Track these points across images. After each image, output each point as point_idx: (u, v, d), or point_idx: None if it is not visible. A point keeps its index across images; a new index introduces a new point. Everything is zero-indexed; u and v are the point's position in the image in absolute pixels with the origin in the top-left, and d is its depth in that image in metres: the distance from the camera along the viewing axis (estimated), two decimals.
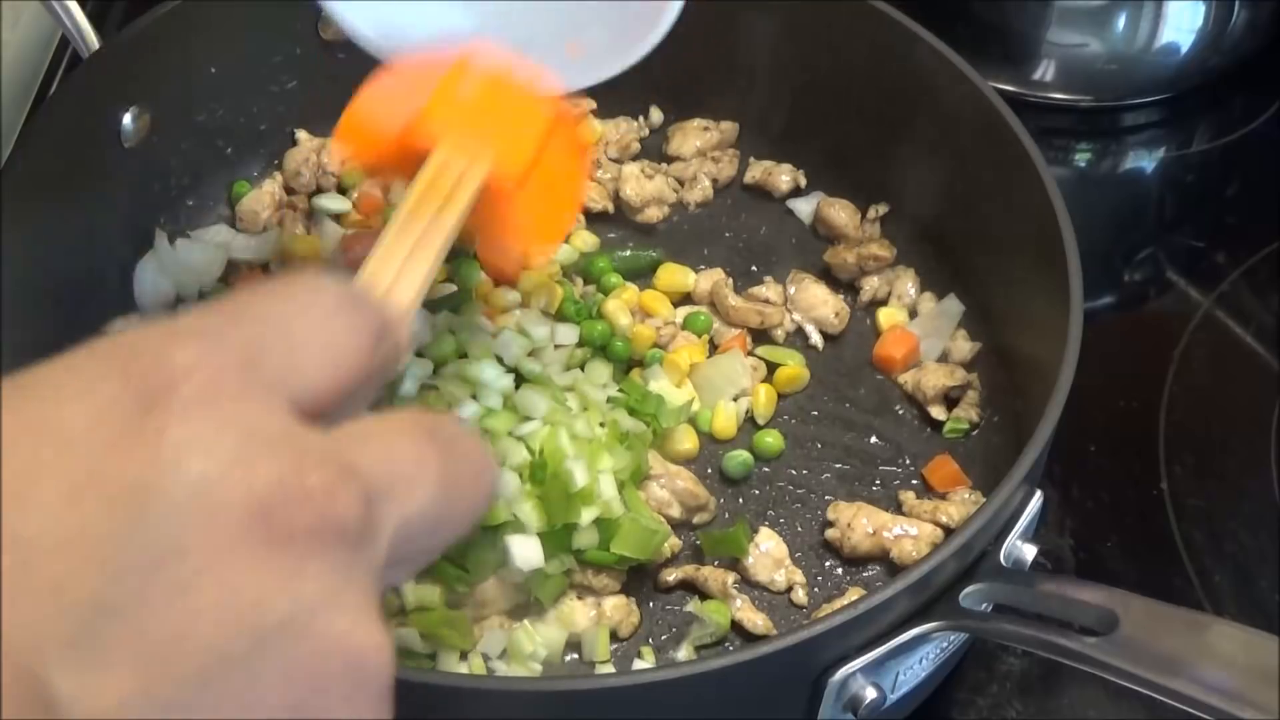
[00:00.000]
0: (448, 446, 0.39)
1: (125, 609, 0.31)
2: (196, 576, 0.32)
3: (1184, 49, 1.11)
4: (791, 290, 0.92)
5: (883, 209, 0.96)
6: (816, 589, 0.81)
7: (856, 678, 0.65)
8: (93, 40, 0.87)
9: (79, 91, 0.84)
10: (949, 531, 0.80)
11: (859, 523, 0.81)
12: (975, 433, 0.87)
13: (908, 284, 0.93)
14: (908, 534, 0.80)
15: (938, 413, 0.87)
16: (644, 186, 0.96)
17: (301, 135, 0.98)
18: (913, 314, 0.92)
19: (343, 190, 0.97)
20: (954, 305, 0.91)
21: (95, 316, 0.88)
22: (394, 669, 0.35)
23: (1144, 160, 1.14)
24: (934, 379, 0.88)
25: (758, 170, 0.99)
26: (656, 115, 1.02)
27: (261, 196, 0.95)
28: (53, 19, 0.87)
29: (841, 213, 0.95)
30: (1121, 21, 1.09)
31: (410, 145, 0.63)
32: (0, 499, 0.31)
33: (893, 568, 0.81)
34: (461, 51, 0.66)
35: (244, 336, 0.36)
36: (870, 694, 0.66)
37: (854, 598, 0.78)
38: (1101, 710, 0.79)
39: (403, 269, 0.53)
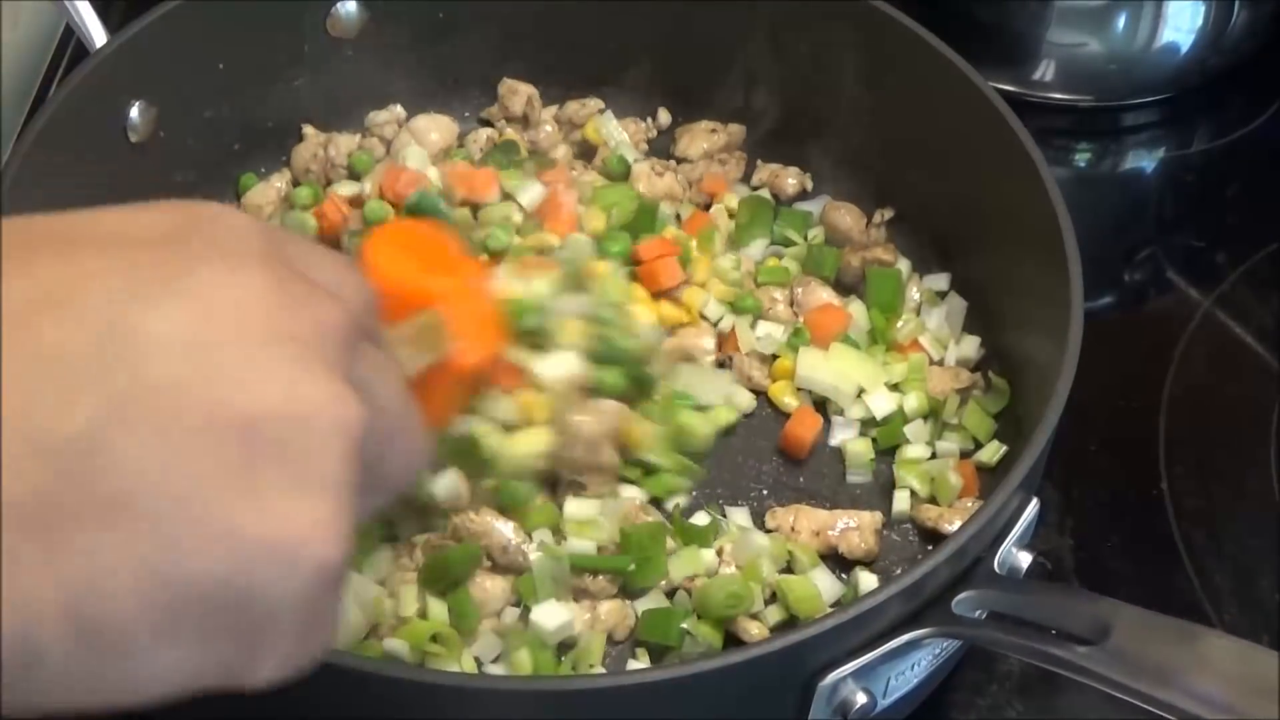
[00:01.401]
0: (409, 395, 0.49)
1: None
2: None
3: (1184, 49, 1.11)
4: (799, 292, 0.91)
5: (888, 213, 0.96)
6: None
7: (847, 682, 0.65)
8: (100, 34, 0.87)
9: (86, 85, 0.84)
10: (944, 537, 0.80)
11: (801, 525, 0.81)
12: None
13: (912, 288, 0.92)
14: (850, 526, 0.81)
15: (949, 414, 0.87)
16: (655, 184, 0.96)
17: (309, 131, 0.98)
18: (917, 315, 0.92)
19: (355, 176, 0.97)
20: (957, 308, 0.91)
21: None
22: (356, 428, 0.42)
23: (1144, 160, 1.14)
24: (939, 383, 0.87)
25: (764, 173, 0.99)
26: (664, 117, 1.02)
27: (267, 191, 0.95)
28: (60, 13, 0.87)
29: (847, 216, 0.95)
30: (1121, 21, 1.09)
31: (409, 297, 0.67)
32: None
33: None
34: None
35: (276, 231, 0.46)
36: (860, 699, 0.65)
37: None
38: (1101, 712, 0.79)
39: None
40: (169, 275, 0.41)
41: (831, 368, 0.87)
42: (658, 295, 0.90)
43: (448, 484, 0.77)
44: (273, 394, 0.40)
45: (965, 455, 0.85)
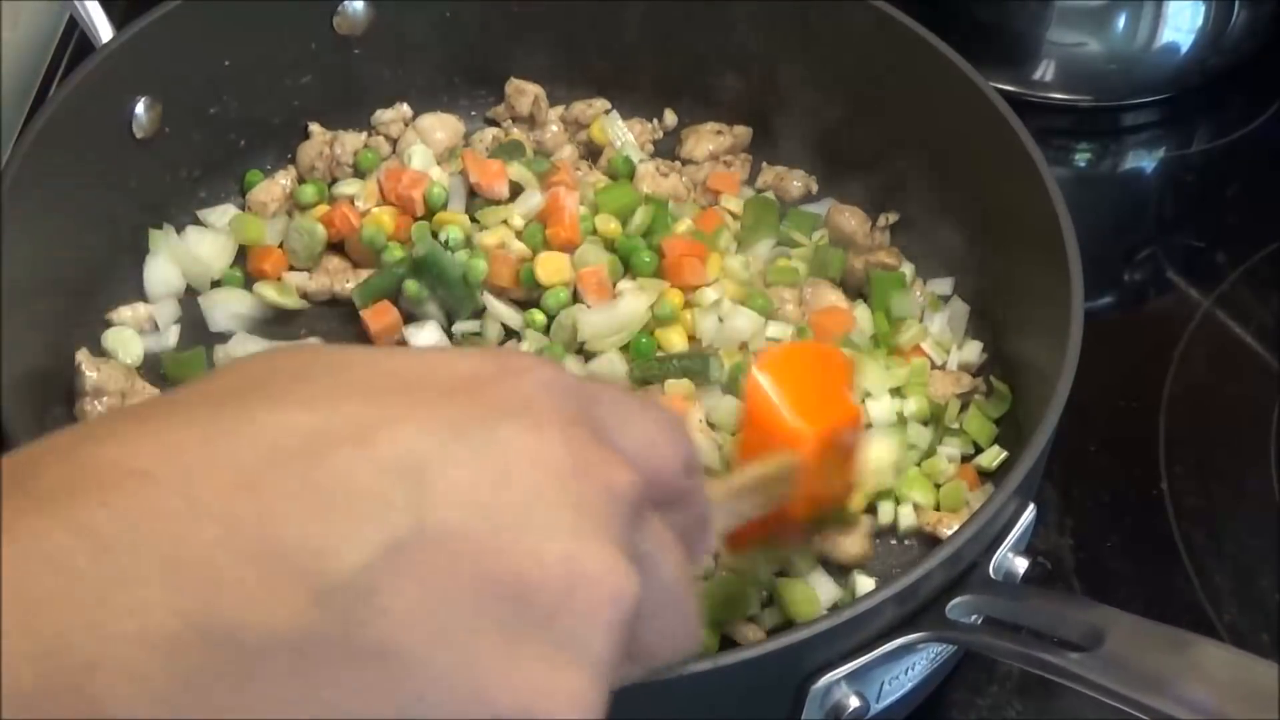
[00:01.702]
0: (689, 575, 0.47)
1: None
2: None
3: (1184, 49, 1.11)
4: (807, 293, 0.91)
5: (893, 217, 0.96)
6: None
7: (840, 686, 0.65)
8: (107, 30, 0.87)
9: (90, 81, 0.84)
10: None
11: None
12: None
13: (915, 292, 0.92)
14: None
15: (949, 420, 0.86)
16: (660, 184, 0.96)
17: (314, 128, 0.98)
18: (920, 319, 0.92)
19: (360, 174, 0.97)
20: (959, 312, 0.91)
21: (102, 305, 0.88)
22: (628, 614, 0.41)
23: (1144, 160, 1.15)
24: (941, 387, 0.87)
25: (770, 175, 0.99)
26: (670, 118, 1.02)
27: (272, 188, 0.95)
28: (61, 11, 0.87)
29: (851, 219, 0.95)
30: (1121, 21, 1.09)
31: (783, 433, 0.67)
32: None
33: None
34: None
35: (589, 387, 0.45)
36: (853, 702, 0.65)
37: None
38: (1101, 712, 0.78)
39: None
40: (468, 426, 0.40)
41: None
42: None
43: None
44: (550, 559, 0.40)
45: (966, 460, 0.85)
